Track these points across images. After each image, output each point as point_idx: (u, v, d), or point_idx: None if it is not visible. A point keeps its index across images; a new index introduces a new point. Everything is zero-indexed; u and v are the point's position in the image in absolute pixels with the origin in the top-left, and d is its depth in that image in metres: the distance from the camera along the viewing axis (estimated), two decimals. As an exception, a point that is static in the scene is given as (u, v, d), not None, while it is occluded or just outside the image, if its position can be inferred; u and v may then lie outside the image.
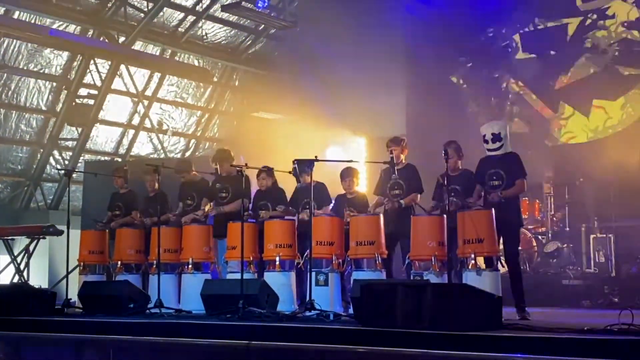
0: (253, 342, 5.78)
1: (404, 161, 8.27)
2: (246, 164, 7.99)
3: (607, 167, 10.80)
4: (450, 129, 10.92)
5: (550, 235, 11.06)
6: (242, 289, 7.20)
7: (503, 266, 7.71)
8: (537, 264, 10.88)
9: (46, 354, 6.69)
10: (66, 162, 14.78)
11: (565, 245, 10.76)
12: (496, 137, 7.58)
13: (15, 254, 11.47)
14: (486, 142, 7.65)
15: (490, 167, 7.63)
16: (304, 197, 8.45)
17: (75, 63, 14.22)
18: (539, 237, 11.16)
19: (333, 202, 8.81)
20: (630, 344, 4.83)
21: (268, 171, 8.91)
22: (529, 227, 11.14)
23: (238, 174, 7.97)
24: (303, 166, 8.17)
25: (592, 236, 10.51)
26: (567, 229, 11.07)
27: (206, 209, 9.05)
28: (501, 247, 7.63)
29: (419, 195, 8.18)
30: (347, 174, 8.63)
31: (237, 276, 7.61)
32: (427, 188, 8.29)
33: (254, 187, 9.15)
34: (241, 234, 7.59)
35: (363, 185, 12.24)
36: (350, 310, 7.24)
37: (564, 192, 11.25)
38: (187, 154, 16.18)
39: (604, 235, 10.39)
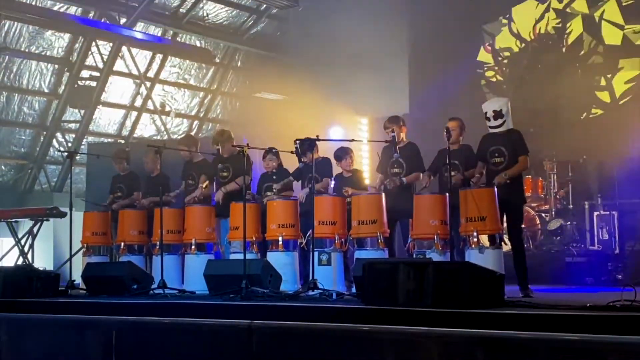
0: (255, 321, 5.79)
1: (404, 139, 8.26)
2: (248, 144, 7.98)
3: (611, 144, 10.76)
4: (453, 107, 10.88)
5: (553, 212, 11.04)
6: (245, 269, 7.21)
7: (506, 244, 7.70)
8: (540, 241, 10.87)
9: (49, 335, 6.71)
10: (69, 145, 14.80)
11: (569, 222, 10.73)
12: (498, 114, 7.56)
13: (20, 236, 11.50)
14: (488, 119, 7.64)
15: (492, 144, 7.62)
16: (307, 174, 8.47)
17: (76, 45, 14.19)
18: (543, 214, 11.14)
19: (333, 181, 8.80)
20: (633, 320, 4.82)
21: (274, 152, 8.92)
22: (533, 204, 11.12)
23: (239, 154, 7.96)
24: (305, 146, 8.17)
25: (595, 213, 10.47)
26: (571, 206, 11.04)
27: (204, 186, 9.04)
28: (505, 224, 7.63)
29: (421, 175, 8.18)
30: (344, 153, 8.62)
31: (240, 256, 7.61)
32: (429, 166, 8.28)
33: (256, 168, 9.15)
34: (243, 214, 7.58)
35: (365, 164, 12.25)
36: (354, 290, 7.24)
37: (567, 169, 11.22)
38: (191, 135, 16.19)
39: (608, 213, 10.36)
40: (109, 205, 9.95)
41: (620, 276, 9.46)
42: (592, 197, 10.77)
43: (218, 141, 9.14)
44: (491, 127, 7.66)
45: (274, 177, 8.92)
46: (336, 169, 8.82)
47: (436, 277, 5.72)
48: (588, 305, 5.46)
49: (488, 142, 7.71)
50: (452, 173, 7.44)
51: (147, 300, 7.36)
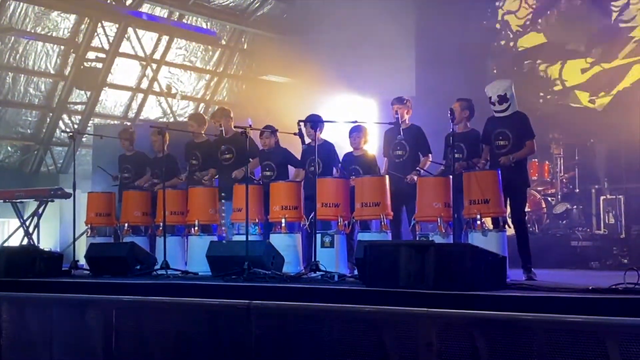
0: (254, 301, 5.78)
1: (407, 122, 8.21)
2: (250, 126, 7.95)
3: (618, 128, 10.69)
4: (460, 90, 10.80)
5: (559, 196, 10.98)
6: (247, 250, 7.19)
7: (510, 227, 7.67)
8: (546, 225, 10.82)
9: (50, 314, 6.73)
10: (75, 126, 14.77)
11: (575, 206, 10.69)
12: (502, 99, 7.50)
13: (25, 217, 11.53)
14: (492, 103, 7.58)
15: (497, 127, 7.57)
16: (309, 156, 8.43)
17: (82, 26, 14.15)
18: (548, 198, 11.08)
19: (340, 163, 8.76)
20: (634, 302, 4.79)
21: (271, 130, 8.91)
22: (539, 188, 11.07)
23: (242, 136, 7.93)
24: (308, 127, 8.14)
25: (602, 197, 10.43)
26: (577, 190, 10.98)
27: (208, 177, 9.08)
28: (509, 208, 7.59)
29: (430, 157, 8.15)
30: (355, 129, 8.53)
31: (243, 238, 7.60)
32: (436, 150, 8.23)
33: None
34: (246, 195, 7.57)
35: (372, 147, 12.15)
36: (356, 272, 7.22)
37: (574, 153, 11.15)
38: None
39: (614, 197, 10.31)
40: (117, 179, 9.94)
41: (625, 260, 9.43)
42: (599, 181, 10.73)
43: (217, 116, 9.18)
44: (496, 112, 7.60)
45: (271, 155, 8.91)
46: (345, 150, 8.78)
47: (438, 259, 5.70)
48: (590, 288, 5.44)
49: (493, 124, 7.65)
50: (457, 155, 7.39)
51: (148, 281, 7.36)
